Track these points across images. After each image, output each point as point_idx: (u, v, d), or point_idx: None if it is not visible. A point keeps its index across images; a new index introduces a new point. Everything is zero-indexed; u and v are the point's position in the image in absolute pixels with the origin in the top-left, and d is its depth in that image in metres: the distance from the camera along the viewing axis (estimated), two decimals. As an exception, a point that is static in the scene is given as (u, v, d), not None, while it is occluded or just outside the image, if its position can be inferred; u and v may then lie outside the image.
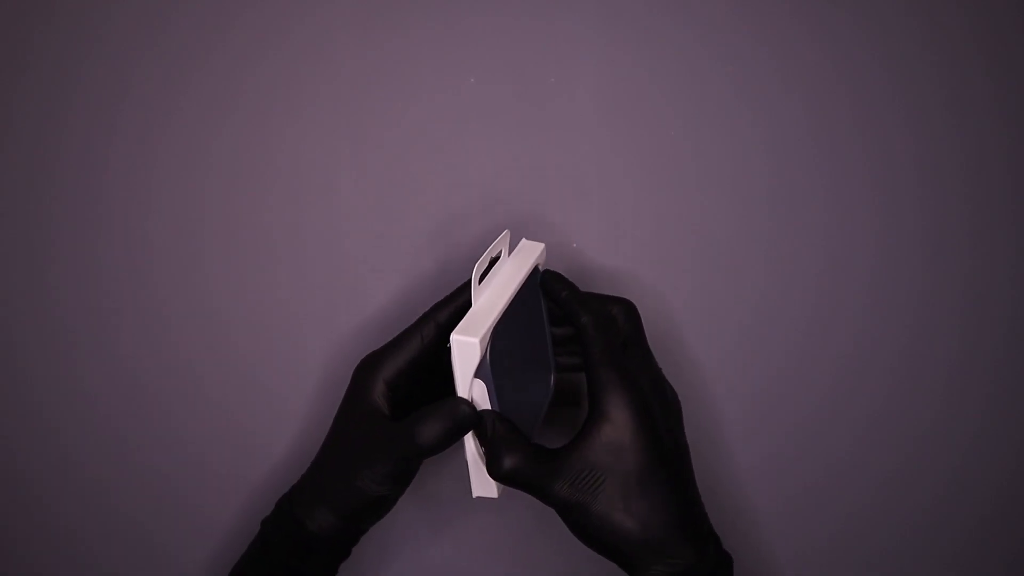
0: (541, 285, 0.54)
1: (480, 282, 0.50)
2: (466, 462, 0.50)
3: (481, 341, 0.47)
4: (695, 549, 0.47)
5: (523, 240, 0.55)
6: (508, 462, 0.47)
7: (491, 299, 0.50)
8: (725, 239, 0.60)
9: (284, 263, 0.60)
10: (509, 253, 0.54)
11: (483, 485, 0.50)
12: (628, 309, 0.53)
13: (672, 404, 0.52)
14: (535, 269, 0.53)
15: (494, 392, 0.48)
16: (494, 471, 0.48)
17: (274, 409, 0.59)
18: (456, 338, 0.47)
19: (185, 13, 0.60)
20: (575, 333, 0.51)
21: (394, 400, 0.51)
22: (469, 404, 0.48)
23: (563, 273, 0.54)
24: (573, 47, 0.60)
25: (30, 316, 0.60)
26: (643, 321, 0.53)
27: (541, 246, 0.55)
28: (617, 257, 0.60)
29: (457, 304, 0.52)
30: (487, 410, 0.48)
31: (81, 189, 0.60)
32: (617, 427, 0.47)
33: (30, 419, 0.60)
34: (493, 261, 0.52)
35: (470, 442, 0.49)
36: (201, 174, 0.60)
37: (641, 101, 0.60)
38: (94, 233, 0.60)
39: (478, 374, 0.47)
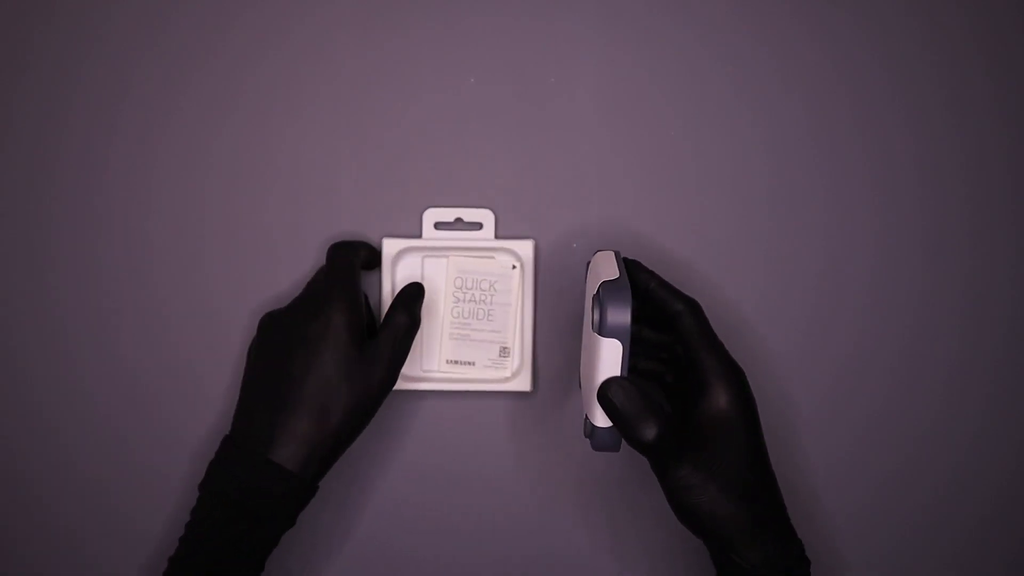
0: (628, 269, 0.52)
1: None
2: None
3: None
4: (783, 539, 0.48)
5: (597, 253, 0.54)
6: (650, 432, 0.47)
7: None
8: (725, 239, 0.60)
9: (284, 263, 0.60)
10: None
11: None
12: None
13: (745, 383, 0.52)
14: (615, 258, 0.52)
15: (627, 357, 0.47)
16: (637, 438, 0.47)
17: (274, 409, 0.59)
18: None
19: (185, 13, 0.60)
20: (667, 321, 0.51)
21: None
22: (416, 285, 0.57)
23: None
24: (573, 47, 0.60)
25: (30, 316, 0.60)
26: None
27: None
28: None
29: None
30: (618, 376, 0.47)
31: (81, 189, 0.60)
32: (730, 410, 0.48)
33: (30, 419, 0.60)
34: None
35: None
36: (201, 174, 0.60)
37: (641, 101, 0.60)
38: (94, 233, 0.60)
39: (615, 334, 0.46)
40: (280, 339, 0.54)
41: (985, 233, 0.59)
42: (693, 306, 0.51)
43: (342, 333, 0.52)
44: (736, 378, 0.49)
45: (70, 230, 0.60)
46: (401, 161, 0.60)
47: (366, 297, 0.58)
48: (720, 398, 0.48)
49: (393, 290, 0.59)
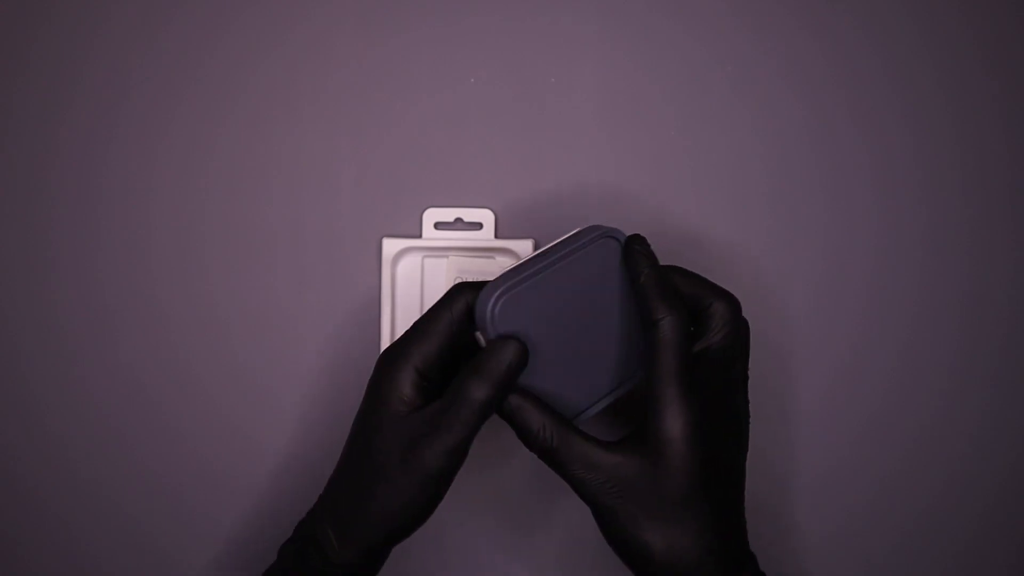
0: (624, 253, 0.49)
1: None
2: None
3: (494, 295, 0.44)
4: (727, 572, 0.45)
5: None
6: (535, 422, 0.44)
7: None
8: (725, 239, 0.60)
9: (284, 263, 0.60)
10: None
11: None
12: (731, 307, 0.48)
13: (742, 421, 0.48)
14: (616, 235, 0.49)
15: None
16: (526, 436, 0.45)
17: (274, 410, 0.59)
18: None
19: (185, 13, 0.60)
20: (648, 326, 0.45)
21: (426, 395, 0.45)
22: (516, 342, 0.44)
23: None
24: (573, 47, 0.60)
25: (30, 317, 0.60)
26: None
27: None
28: (617, 257, 0.60)
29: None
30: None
31: (81, 189, 0.60)
32: (664, 454, 0.44)
33: (30, 420, 0.60)
34: None
35: None
36: (201, 174, 0.60)
37: (641, 101, 0.60)
38: (94, 233, 0.60)
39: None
40: (369, 384, 0.47)
41: (985, 233, 0.59)
42: (676, 319, 0.45)
43: (392, 403, 0.45)
44: (686, 419, 0.44)
45: (70, 230, 0.60)
46: (401, 161, 0.60)
47: (477, 336, 0.48)
48: (656, 438, 0.44)
49: (392, 293, 0.59)
